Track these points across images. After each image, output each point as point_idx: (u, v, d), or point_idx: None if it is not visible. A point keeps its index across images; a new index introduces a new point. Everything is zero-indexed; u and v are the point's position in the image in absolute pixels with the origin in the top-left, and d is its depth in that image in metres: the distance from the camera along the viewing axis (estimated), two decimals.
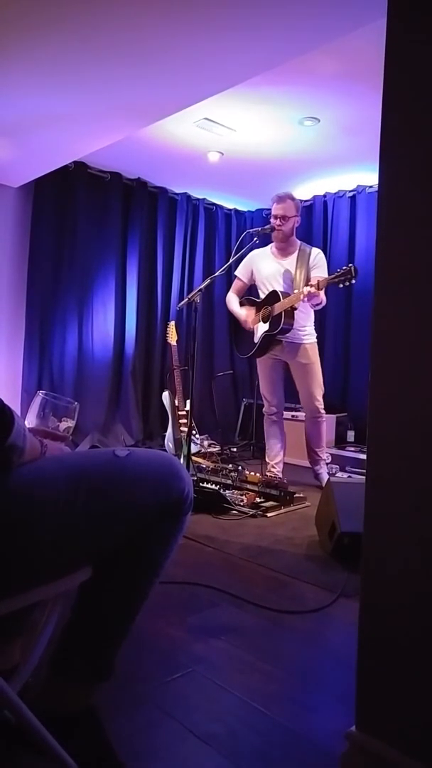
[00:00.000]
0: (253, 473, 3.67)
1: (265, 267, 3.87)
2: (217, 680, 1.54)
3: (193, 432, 4.10)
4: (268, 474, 3.86)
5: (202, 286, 3.64)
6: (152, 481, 1.09)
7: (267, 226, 3.81)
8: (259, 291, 3.92)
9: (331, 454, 4.61)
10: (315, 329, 3.94)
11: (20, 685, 1.02)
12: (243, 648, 1.73)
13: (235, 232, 5.99)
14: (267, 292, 3.82)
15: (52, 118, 3.44)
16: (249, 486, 3.52)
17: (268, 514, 3.20)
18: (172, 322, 4.64)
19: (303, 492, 3.57)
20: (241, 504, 3.30)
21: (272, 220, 3.76)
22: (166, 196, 5.45)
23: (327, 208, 5.43)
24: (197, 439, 4.56)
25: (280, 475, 3.89)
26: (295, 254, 3.80)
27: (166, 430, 4.62)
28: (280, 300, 3.66)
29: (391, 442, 1.12)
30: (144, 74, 2.91)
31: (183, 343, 4.96)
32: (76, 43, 2.63)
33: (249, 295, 4.09)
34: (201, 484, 3.50)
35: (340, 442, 4.90)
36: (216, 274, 3.84)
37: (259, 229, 3.85)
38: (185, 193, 5.57)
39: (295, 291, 3.64)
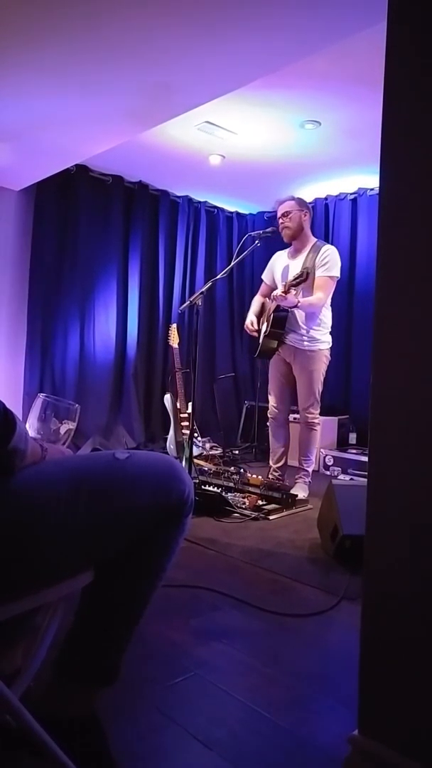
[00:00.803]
0: (255, 476, 3.67)
1: (278, 267, 3.86)
2: (219, 684, 1.53)
3: (195, 435, 4.10)
4: (270, 476, 3.85)
5: (203, 289, 3.64)
6: (152, 483, 1.09)
7: (268, 229, 3.80)
8: None
9: (333, 457, 4.61)
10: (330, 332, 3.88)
11: (22, 690, 1.01)
12: (245, 651, 1.73)
13: (237, 234, 6.00)
14: None
15: (53, 122, 3.45)
16: (251, 488, 3.52)
17: (270, 517, 3.20)
18: (174, 325, 4.65)
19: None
20: (243, 507, 3.30)
21: (278, 222, 3.74)
22: (167, 199, 5.45)
23: (328, 211, 5.43)
24: (199, 441, 4.55)
25: (283, 477, 3.89)
26: (306, 252, 3.70)
27: (167, 433, 4.61)
28: None
29: (393, 444, 1.12)
30: (146, 77, 2.91)
31: (184, 346, 4.96)
32: (78, 47, 2.64)
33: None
34: (203, 486, 3.50)
35: (341, 444, 4.90)
36: (217, 276, 3.84)
37: (261, 231, 3.84)
38: (187, 196, 5.57)
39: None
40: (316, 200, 5.47)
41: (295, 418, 4.55)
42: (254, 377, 5.70)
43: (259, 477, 3.66)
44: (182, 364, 4.54)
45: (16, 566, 0.96)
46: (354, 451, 4.65)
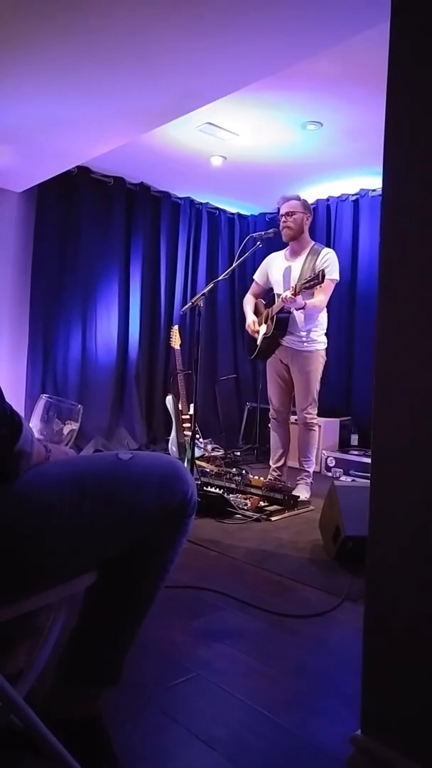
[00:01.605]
0: (257, 477, 3.67)
1: (275, 269, 3.86)
2: (221, 685, 1.53)
3: (197, 436, 4.10)
4: (269, 476, 3.86)
5: (205, 290, 3.64)
6: (155, 483, 1.09)
7: (270, 230, 3.79)
8: (274, 293, 3.92)
9: (334, 458, 4.60)
10: (326, 334, 3.89)
11: (26, 690, 1.02)
12: (247, 652, 1.73)
13: (238, 236, 6.00)
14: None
15: (55, 123, 3.46)
16: (253, 490, 3.52)
17: (272, 518, 3.20)
18: (176, 327, 4.65)
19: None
20: (245, 508, 3.30)
21: (279, 219, 3.75)
22: (169, 201, 5.46)
23: (330, 212, 5.44)
24: (201, 443, 4.56)
25: (283, 478, 3.89)
26: (305, 255, 3.72)
27: (169, 434, 4.62)
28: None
29: (396, 445, 1.12)
30: (147, 79, 2.92)
31: (186, 348, 4.97)
32: (80, 48, 2.65)
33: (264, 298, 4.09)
34: (205, 488, 3.50)
35: (343, 445, 4.90)
36: (219, 278, 3.84)
37: (263, 233, 3.83)
38: (188, 197, 5.58)
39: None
40: (318, 201, 5.47)
41: (295, 420, 4.56)
42: (255, 379, 5.70)
43: (261, 478, 3.66)
44: (184, 365, 4.54)
45: (20, 567, 0.96)
46: (356, 452, 4.65)
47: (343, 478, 4.39)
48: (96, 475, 1.06)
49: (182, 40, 2.56)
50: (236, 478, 3.66)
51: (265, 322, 3.80)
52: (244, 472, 3.77)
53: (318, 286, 3.44)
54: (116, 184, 5.05)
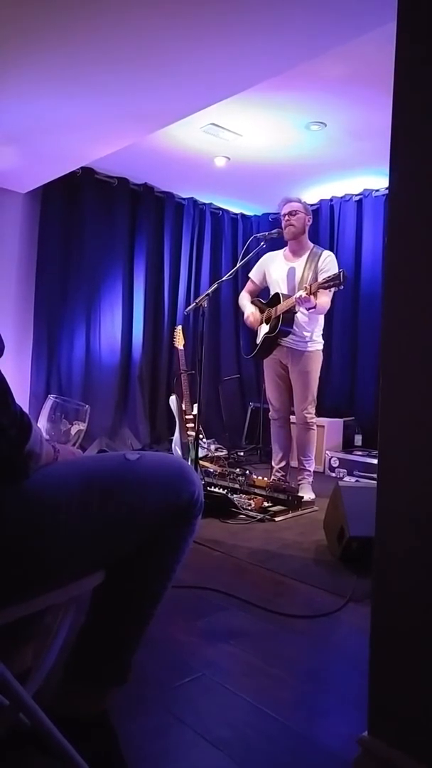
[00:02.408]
0: (260, 477, 3.67)
1: (275, 269, 3.86)
2: (226, 685, 1.53)
3: (200, 436, 4.10)
4: (273, 477, 3.86)
5: (209, 291, 3.65)
6: (162, 484, 1.10)
7: (274, 231, 3.80)
8: (271, 293, 3.92)
9: (338, 459, 4.60)
10: (323, 334, 3.91)
11: (35, 689, 1.02)
12: (252, 652, 1.73)
13: (242, 236, 6.01)
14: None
15: (59, 125, 3.46)
16: (257, 490, 3.52)
17: (276, 519, 3.20)
18: (179, 327, 4.65)
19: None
20: (249, 508, 3.30)
21: (282, 219, 3.75)
22: (172, 201, 5.47)
23: (333, 213, 5.43)
24: (204, 443, 4.56)
25: (286, 478, 3.89)
26: (306, 256, 3.74)
27: (173, 435, 4.62)
28: (280, 302, 3.67)
29: (403, 445, 1.12)
30: (151, 80, 2.93)
31: (190, 348, 4.97)
32: (83, 50, 2.65)
33: (260, 296, 4.08)
34: (209, 488, 3.50)
35: (347, 446, 4.90)
36: (223, 278, 3.84)
37: (266, 233, 3.84)
38: (192, 197, 5.59)
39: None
40: (321, 201, 5.47)
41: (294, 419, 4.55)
42: (259, 379, 5.69)
43: (265, 479, 3.66)
44: (187, 365, 4.55)
45: (28, 566, 0.96)
46: (359, 452, 4.64)
47: (346, 478, 4.38)
48: (104, 475, 1.06)
49: (186, 41, 2.56)
50: (240, 478, 3.66)
51: (267, 321, 3.80)
52: (247, 472, 3.77)
53: (336, 287, 3.43)
54: (120, 184, 5.05)
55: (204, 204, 5.74)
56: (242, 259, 3.79)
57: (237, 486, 3.59)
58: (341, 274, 3.36)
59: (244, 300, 4.02)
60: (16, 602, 0.96)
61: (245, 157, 4.54)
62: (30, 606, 0.99)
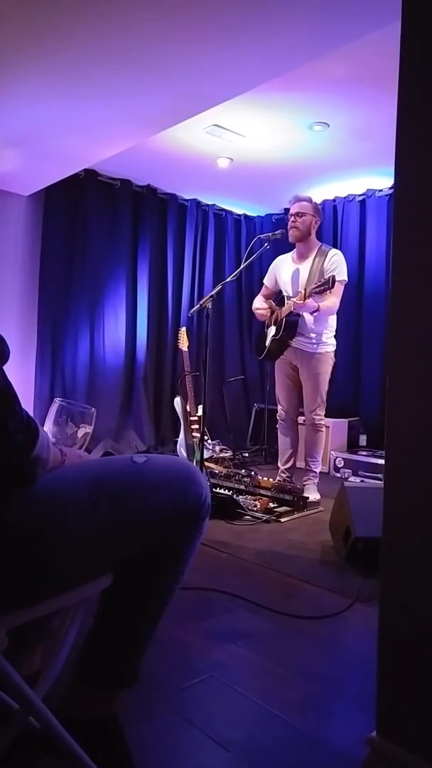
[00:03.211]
0: (265, 478, 3.67)
1: (284, 272, 3.86)
2: (234, 686, 1.54)
3: (205, 437, 4.10)
4: (279, 478, 3.86)
5: (213, 292, 3.65)
6: (170, 486, 1.10)
7: (278, 231, 3.79)
8: (283, 295, 3.92)
9: (343, 459, 4.59)
10: (335, 335, 3.87)
11: (44, 691, 1.03)
12: (260, 653, 1.73)
13: (245, 237, 6.01)
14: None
15: (61, 127, 3.47)
16: (262, 491, 3.52)
17: (282, 520, 3.20)
18: (183, 328, 4.65)
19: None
20: (255, 509, 3.30)
21: (289, 218, 3.75)
22: (175, 203, 5.47)
23: (337, 213, 5.43)
24: (209, 444, 4.56)
25: (291, 479, 3.89)
26: (312, 257, 3.72)
27: (178, 436, 4.62)
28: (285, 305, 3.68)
29: (409, 445, 1.12)
30: (154, 82, 2.93)
31: (194, 349, 4.97)
32: (85, 52, 2.66)
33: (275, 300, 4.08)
34: (214, 489, 3.50)
35: (352, 446, 4.89)
36: (227, 280, 3.84)
37: (270, 234, 3.83)
38: (195, 199, 5.59)
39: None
40: (325, 202, 5.47)
41: (303, 420, 4.55)
42: (263, 380, 5.71)
43: (270, 480, 3.66)
44: (192, 367, 4.55)
45: (37, 570, 0.97)
46: (364, 453, 4.63)
47: (352, 479, 4.38)
48: (111, 478, 1.07)
49: (189, 42, 2.57)
50: (245, 479, 3.66)
51: (274, 324, 3.80)
52: (252, 473, 3.77)
53: (328, 291, 3.44)
54: (123, 186, 5.06)
55: (207, 205, 5.74)
56: (246, 260, 3.79)
57: (242, 487, 3.59)
58: (330, 279, 3.37)
59: (259, 302, 4.01)
60: (25, 606, 0.97)
61: (248, 158, 4.54)
62: (38, 609, 0.99)
